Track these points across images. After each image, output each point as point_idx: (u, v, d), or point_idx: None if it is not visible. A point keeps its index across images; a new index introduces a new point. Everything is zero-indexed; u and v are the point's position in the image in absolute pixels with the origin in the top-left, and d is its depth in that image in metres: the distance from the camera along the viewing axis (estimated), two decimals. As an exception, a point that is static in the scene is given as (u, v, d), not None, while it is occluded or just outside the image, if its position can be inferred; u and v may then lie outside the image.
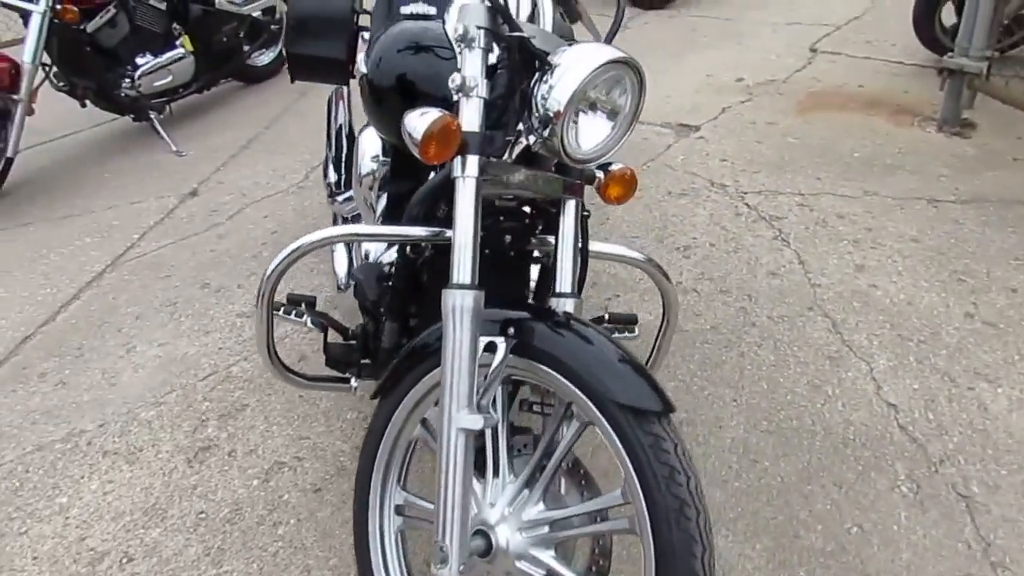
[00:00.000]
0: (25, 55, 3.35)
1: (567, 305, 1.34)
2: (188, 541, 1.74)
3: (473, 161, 1.20)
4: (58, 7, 3.37)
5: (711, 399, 2.01)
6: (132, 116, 3.99)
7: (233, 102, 4.43)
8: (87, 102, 3.88)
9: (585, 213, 1.49)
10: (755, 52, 4.38)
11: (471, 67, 1.21)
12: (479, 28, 1.21)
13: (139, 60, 3.85)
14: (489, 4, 1.20)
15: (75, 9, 3.43)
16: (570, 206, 1.37)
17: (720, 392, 2.03)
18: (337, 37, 2.12)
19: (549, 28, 1.36)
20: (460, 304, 1.18)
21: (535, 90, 1.21)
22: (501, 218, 1.42)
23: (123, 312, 2.62)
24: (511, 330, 1.23)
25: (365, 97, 1.52)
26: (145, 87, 3.87)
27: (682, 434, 1.22)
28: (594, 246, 1.50)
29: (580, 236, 1.45)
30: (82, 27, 3.58)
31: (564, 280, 1.36)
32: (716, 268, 2.53)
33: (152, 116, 3.96)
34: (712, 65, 4.25)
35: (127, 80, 3.81)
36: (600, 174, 1.41)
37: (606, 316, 1.74)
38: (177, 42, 4.04)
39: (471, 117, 1.21)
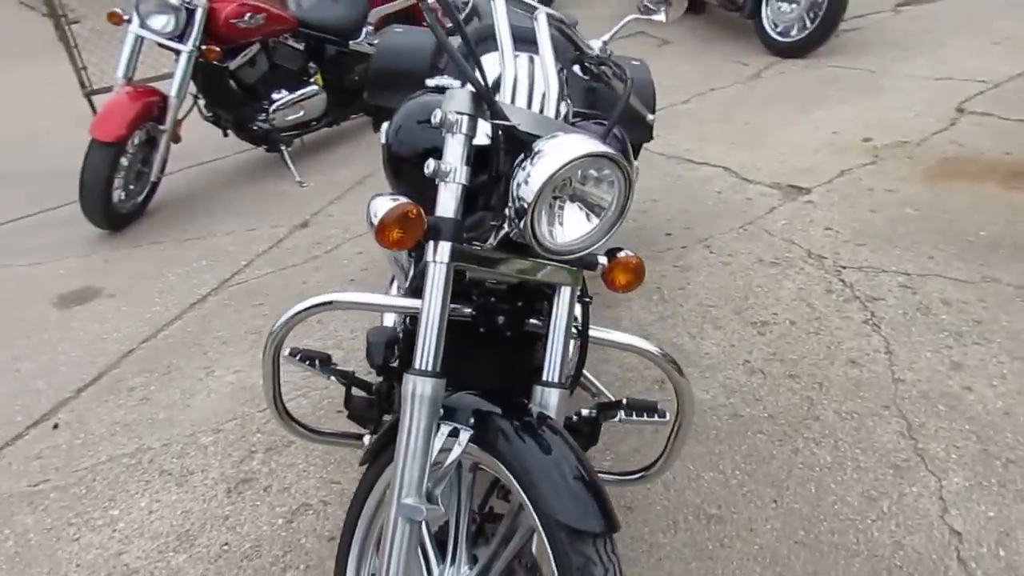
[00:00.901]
0: (172, 90, 3.70)
1: (551, 396, 1.30)
2: (207, 571, 1.83)
3: (444, 247, 1.19)
4: (203, 47, 3.69)
5: (749, 497, 1.87)
6: (265, 147, 4.30)
7: (359, 138, 4.66)
8: (229, 132, 4.22)
9: (587, 299, 1.44)
10: (892, 109, 4.08)
11: (451, 153, 1.21)
12: (460, 114, 1.21)
13: (275, 95, 4.14)
14: (473, 91, 1.20)
15: (218, 49, 3.75)
16: (564, 293, 1.33)
17: (761, 491, 1.89)
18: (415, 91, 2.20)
19: (553, 105, 1.32)
20: (420, 391, 1.17)
21: (515, 177, 1.19)
22: (493, 299, 1.40)
23: (213, 336, 2.82)
24: (473, 421, 1.21)
25: (385, 164, 1.55)
26: (279, 121, 4.16)
27: (623, 556, 1.14)
28: (603, 334, 1.45)
29: (580, 323, 1.40)
30: (225, 65, 3.91)
31: (553, 369, 1.32)
32: (791, 349, 2.37)
33: (283, 148, 4.24)
34: (840, 121, 4.00)
35: (263, 114, 4.11)
36: (604, 260, 1.36)
37: (624, 401, 1.67)
38: (311, 79, 4.32)
39: (446, 203, 1.21)
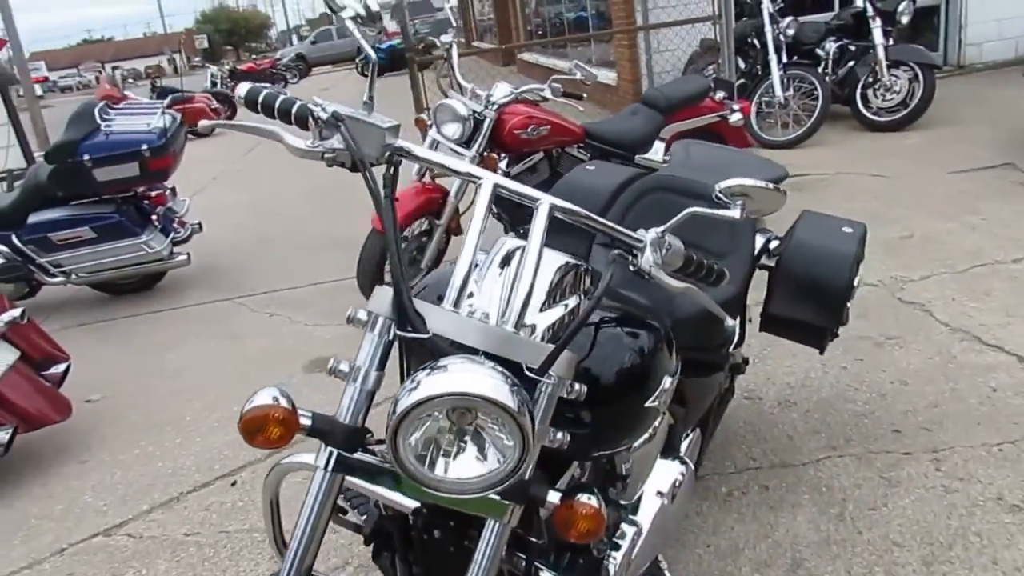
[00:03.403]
0: (452, 189, 4.07)
1: None
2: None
3: (325, 454, 1.13)
4: (484, 154, 4.01)
5: None
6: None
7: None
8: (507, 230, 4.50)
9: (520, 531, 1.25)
10: None
11: (362, 353, 1.15)
12: (376, 315, 1.14)
13: (550, 201, 4.32)
14: (394, 297, 1.12)
15: (495, 157, 4.04)
16: (491, 526, 1.17)
17: None
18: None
19: (512, 321, 1.17)
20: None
21: (402, 386, 1.09)
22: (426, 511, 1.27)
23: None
24: None
25: None
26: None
27: None
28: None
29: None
30: (508, 171, 4.19)
31: None
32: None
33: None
34: None
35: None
36: (554, 498, 1.17)
37: None
38: (588, 188, 4.42)
39: (344, 406, 1.14)
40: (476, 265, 1.34)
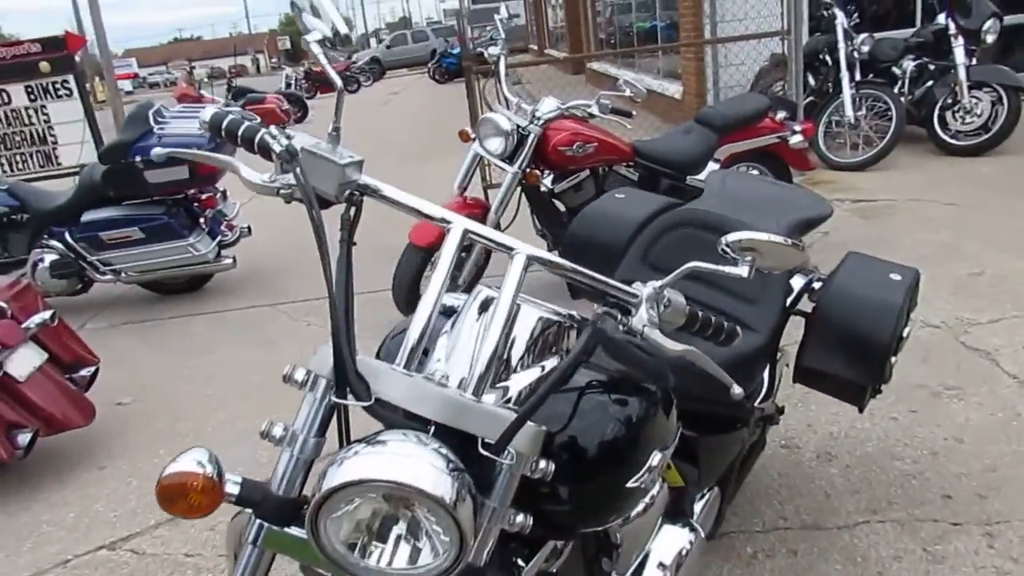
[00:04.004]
0: (493, 204, 3.97)
1: None
2: None
3: (254, 526, 1.03)
4: (527, 170, 3.89)
5: None
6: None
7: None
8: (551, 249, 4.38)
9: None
10: None
11: (300, 418, 1.04)
12: (316, 376, 1.03)
13: (595, 221, 4.17)
14: (334, 357, 1.01)
15: (538, 173, 3.92)
16: None
17: None
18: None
19: (472, 386, 1.04)
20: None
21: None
22: None
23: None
24: None
25: None
26: (595, 244, 4.18)
27: None
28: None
29: None
30: (551, 188, 4.07)
31: None
32: None
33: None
34: None
35: (581, 236, 4.17)
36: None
37: None
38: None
39: (278, 473, 1.04)
40: (452, 315, 1.23)
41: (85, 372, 3.17)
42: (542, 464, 1.03)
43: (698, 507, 1.83)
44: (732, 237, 1.19)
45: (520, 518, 1.03)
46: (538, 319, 1.18)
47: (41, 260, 4.62)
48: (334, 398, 1.02)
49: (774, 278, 1.93)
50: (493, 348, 1.05)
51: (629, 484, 1.17)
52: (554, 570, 1.31)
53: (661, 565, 1.55)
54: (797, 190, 2.43)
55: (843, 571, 2.06)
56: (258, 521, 1.04)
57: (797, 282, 2.15)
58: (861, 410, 2.02)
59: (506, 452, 1.00)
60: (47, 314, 3.00)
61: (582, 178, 4.14)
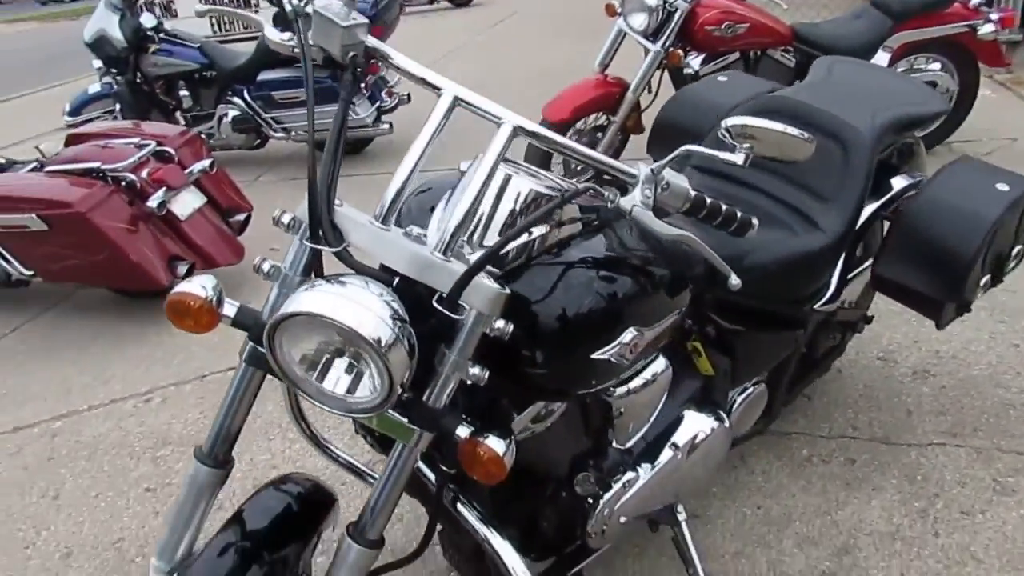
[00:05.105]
0: (632, 84, 3.86)
1: (351, 554, 1.20)
2: None
3: (248, 347, 1.20)
4: (669, 49, 3.73)
5: None
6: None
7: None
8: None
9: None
10: None
11: (288, 257, 1.18)
12: (299, 221, 1.15)
13: (740, 108, 3.96)
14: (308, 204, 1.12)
15: (680, 53, 3.74)
16: (398, 450, 1.18)
17: None
18: None
19: (442, 244, 1.11)
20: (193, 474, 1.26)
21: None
22: None
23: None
24: None
25: None
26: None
27: None
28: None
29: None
30: (695, 71, 3.89)
31: (364, 523, 1.20)
32: None
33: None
34: None
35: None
36: (463, 432, 1.14)
37: None
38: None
39: (269, 304, 1.19)
40: (457, 185, 1.29)
41: (240, 217, 3.56)
42: (499, 324, 1.09)
43: (737, 399, 1.83)
44: (731, 121, 1.15)
45: (476, 370, 1.11)
46: (530, 190, 1.21)
47: (226, 115, 5.11)
48: (306, 242, 1.14)
49: (857, 177, 1.80)
50: (466, 208, 1.10)
51: (595, 355, 1.22)
52: (548, 426, 1.40)
53: (673, 445, 1.60)
54: (913, 83, 2.19)
55: (897, 486, 2.00)
56: (251, 343, 1.21)
57: (899, 183, 2.00)
58: (939, 327, 1.89)
59: (465, 309, 1.07)
60: (207, 162, 3.38)
61: (731, 61, 3.92)
